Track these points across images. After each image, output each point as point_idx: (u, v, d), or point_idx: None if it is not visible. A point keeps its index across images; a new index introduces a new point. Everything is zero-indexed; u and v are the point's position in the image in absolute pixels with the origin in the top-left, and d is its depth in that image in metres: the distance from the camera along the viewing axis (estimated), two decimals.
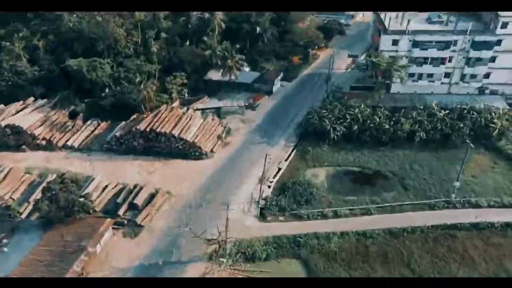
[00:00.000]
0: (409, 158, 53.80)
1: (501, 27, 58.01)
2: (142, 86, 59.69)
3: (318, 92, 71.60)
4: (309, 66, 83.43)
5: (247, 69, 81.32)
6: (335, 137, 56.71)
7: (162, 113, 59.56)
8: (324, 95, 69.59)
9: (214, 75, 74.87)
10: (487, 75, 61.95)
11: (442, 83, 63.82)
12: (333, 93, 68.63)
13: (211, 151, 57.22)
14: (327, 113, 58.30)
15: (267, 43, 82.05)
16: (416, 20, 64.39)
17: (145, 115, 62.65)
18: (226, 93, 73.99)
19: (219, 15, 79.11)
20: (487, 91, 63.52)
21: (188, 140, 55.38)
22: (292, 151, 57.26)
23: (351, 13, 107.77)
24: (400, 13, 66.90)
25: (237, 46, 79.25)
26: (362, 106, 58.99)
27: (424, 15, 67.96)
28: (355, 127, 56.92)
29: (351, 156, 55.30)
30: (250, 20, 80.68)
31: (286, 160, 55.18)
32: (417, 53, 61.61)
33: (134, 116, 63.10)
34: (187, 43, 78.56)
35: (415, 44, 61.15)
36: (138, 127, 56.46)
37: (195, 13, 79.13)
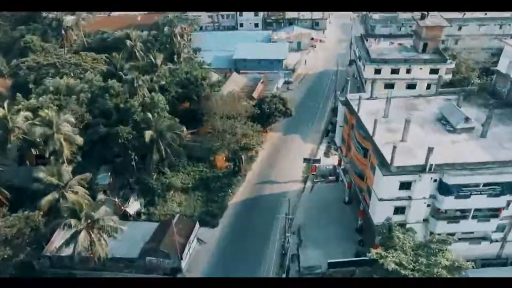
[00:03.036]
0: None
1: None
2: None
3: (268, 258, 38.56)
4: (243, 181, 50.39)
5: (135, 205, 45.87)
6: None
7: None
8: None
9: (65, 247, 38.24)
10: None
11: (491, 241, 34.46)
12: (299, 274, 35.97)
13: None
14: None
15: (167, 150, 47.46)
16: (420, 122, 34.85)
17: None
18: None
19: (67, 122, 42.95)
20: None
21: None
22: None
23: (291, 66, 77.48)
24: (391, 114, 36.58)
25: (110, 173, 44.17)
26: None
27: (430, 115, 37.68)
28: None
29: None
30: (134, 119, 45.76)
31: None
32: (450, 203, 31.40)
33: None
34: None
35: (445, 189, 30.85)
36: None
37: (21, 118, 42.11)
